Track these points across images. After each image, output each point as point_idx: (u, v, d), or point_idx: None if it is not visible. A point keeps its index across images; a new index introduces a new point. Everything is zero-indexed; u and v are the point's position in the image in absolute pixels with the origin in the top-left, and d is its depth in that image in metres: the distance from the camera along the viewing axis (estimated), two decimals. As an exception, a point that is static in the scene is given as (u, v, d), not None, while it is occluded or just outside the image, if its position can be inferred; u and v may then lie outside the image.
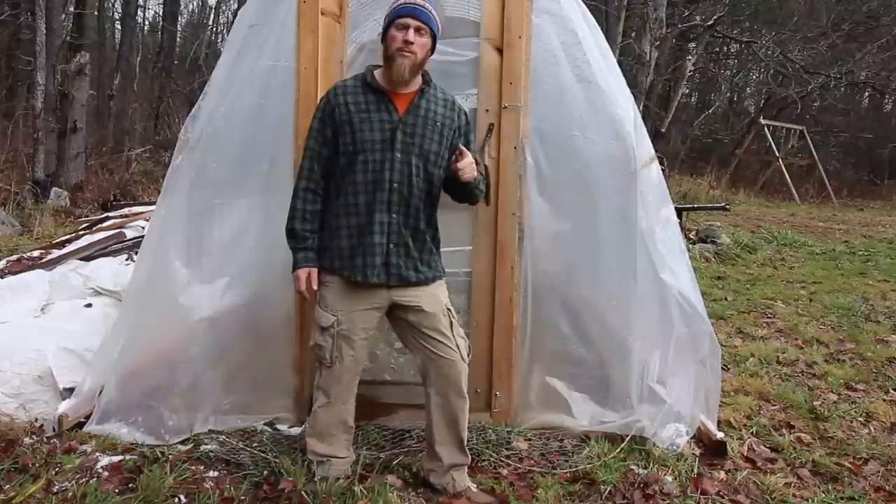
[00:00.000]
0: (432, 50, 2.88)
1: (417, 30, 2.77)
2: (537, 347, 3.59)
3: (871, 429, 3.84)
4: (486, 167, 3.37)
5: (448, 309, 2.97)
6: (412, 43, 2.76)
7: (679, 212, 8.70)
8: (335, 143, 2.87)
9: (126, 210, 8.44)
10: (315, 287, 2.91)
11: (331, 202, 2.92)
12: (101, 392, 3.45)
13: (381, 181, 2.82)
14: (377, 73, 2.90)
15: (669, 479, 3.14)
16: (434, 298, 2.94)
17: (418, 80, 2.89)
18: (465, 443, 3.05)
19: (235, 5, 21.81)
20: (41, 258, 5.85)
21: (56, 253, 5.91)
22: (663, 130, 16.51)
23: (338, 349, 2.89)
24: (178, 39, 22.55)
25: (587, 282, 3.63)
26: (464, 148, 2.85)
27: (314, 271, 2.90)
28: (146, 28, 24.81)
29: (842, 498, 3.10)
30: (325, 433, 3.01)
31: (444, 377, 2.94)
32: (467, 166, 2.81)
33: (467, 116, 3.05)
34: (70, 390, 3.53)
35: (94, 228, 7.12)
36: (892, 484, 3.23)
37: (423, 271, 2.91)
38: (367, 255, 2.84)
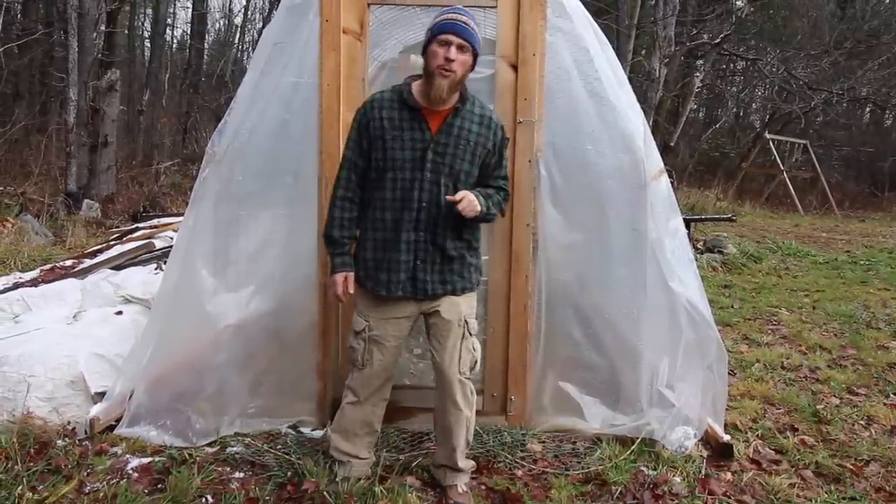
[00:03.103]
0: (472, 67, 2.81)
1: (460, 47, 2.70)
2: (551, 353, 3.64)
3: (872, 431, 3.88)
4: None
5: (466, 321, 2.96)
6: (453, 61, 2.68)
7: (687, 223, 8.82)
8: (369, 155, 2.86)
9: (155, 221, 8.42)
10: (351, 291, 2.92)
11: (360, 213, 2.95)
12: (131, 396, 3.50)
13: (409, 199, 2.80)
14: (414, 87, 2.83)
15: (678, 479, 3.19)
16: (454, 307, 2.93)
17: (455, 96, 2.82)
18: (458, 452, 3.03)
19: (260, 24, 22.13)
20: (73, 267, 5.83)
21: (88, 262, 5.88)
22: (672, 144, 16.48)
23: (368, 353, 2.94)
24: (205, 57, 22.54)
25: (599, 290, 3.66)
26: (464, 193, 2.76)
27: (351, 275, 2.91)
28: (174, 46, 24.79)
29: (844, 498, 3.15)
30: (349, 431, 3.04)
31: (440, 386, 2.99)
32: (466, 207, 2.74)
33: (503, 131, 3.00)
34: (101, 394, 3.58)
35: (125, 239, 7.07)
36: (893, 485, 3.28)
37: (450, 281, 2.91)
38: (392, 272, 2.85)
